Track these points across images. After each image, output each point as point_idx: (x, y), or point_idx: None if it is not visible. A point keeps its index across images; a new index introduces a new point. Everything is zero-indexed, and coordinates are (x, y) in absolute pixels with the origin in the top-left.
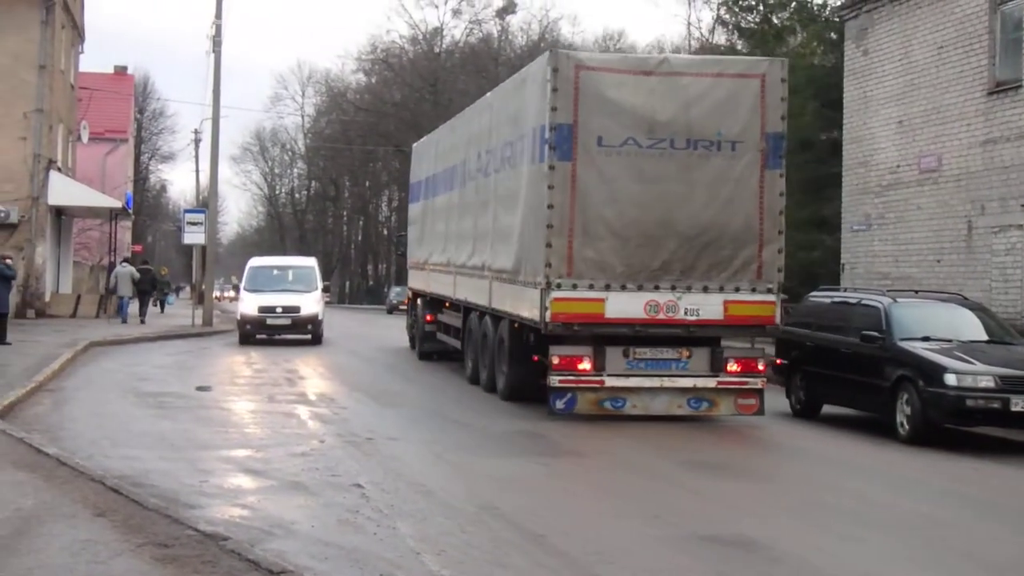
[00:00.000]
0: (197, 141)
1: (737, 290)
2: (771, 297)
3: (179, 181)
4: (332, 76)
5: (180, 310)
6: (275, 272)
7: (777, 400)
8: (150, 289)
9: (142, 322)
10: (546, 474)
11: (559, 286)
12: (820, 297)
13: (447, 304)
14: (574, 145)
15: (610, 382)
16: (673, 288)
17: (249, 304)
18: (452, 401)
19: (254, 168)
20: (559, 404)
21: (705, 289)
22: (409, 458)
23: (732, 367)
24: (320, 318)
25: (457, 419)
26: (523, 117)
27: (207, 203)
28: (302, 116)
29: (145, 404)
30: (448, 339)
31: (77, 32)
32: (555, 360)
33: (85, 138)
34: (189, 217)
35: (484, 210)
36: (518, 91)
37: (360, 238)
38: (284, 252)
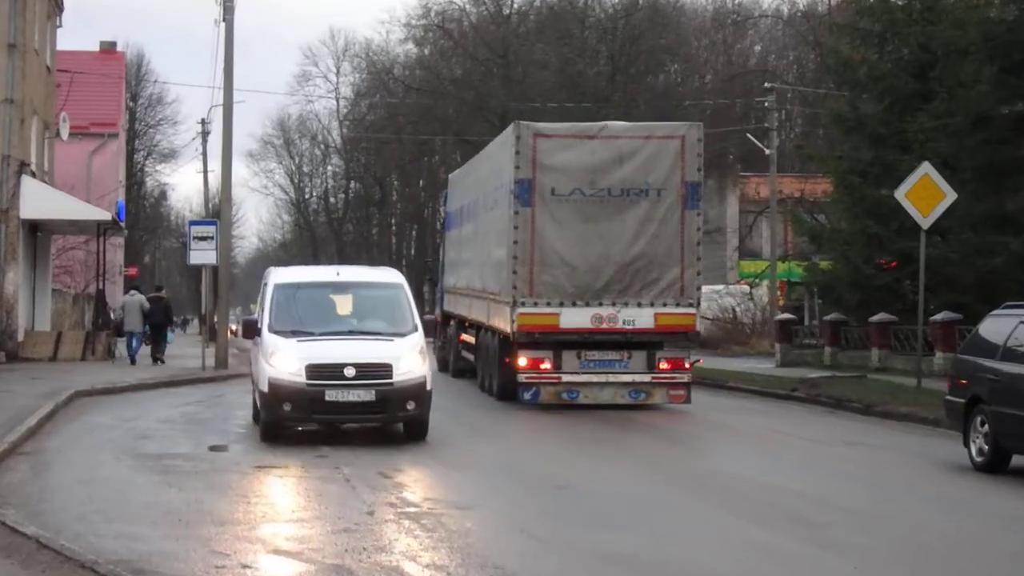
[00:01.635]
0: (205, 134)
1: (664, 304)
2: (692, 310)
3: (183, 185)
4: (374, 48)
5: (187, 348)
6: (329, 296)
7: (952, 448)
8: (165, 321)
9: (159, 361)
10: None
11: (523, 304)
12: (1006, 316)
13: (467, 323)
14: (532, 195)
15: (566, 378)
16: (613, 304)
17: (286, 360)
18: (470, 407)
19: (277, 167)
20: (526, 396)
21: (639, 304)
22: (482, 531)
23: (663, 365)
24: (429, 387)
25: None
26: (502, 171)
27: (219, 212)
28: (337, 99)
29: (146, 468)
30: (467, 355)
31: (54, 2)
32: (522, 362)
33: (65, 133)
34: (197, 230)
35: (485, 243)
36: (501, 149)
37: (413, 252)
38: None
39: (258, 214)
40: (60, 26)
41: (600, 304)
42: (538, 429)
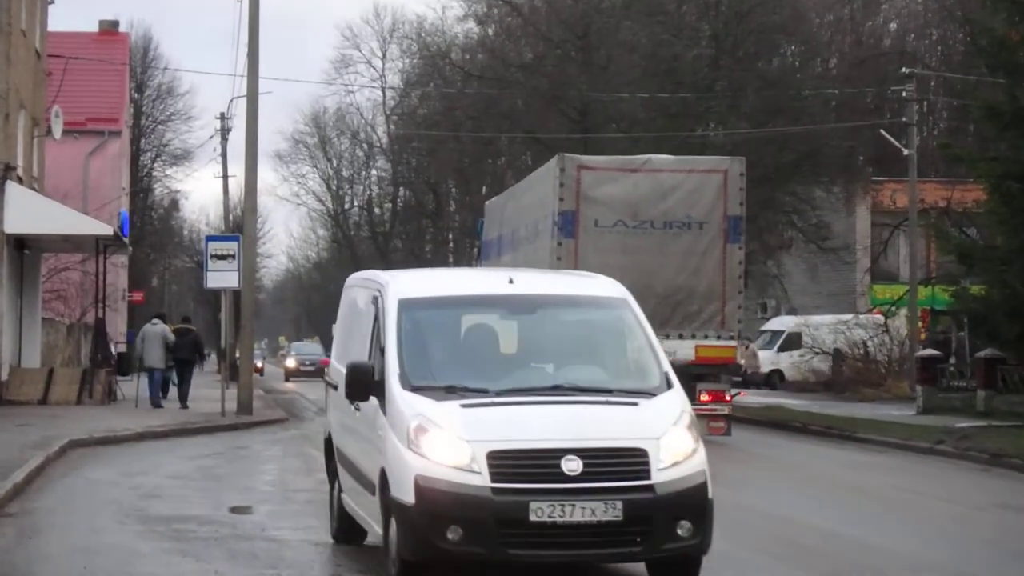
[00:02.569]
0: (225, 131)
1: (705, 337)
2: (732, 342)
3: (199, 193)
4: (427, 27)
5: (203, 389)
6: (502, 322)
7: None
8: (193, 357)
9: (183, 406)
10: None
11: None
12: None
13: None
14: (576, 227)
15: None
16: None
17: (446, 445)
18: None
19: (311, 171)
20: None
21: (680, 336)
22: None
23: (704, 397)
24: (711, 492)
25: None
26: (545, 201)
27: (242, 225)
28: (383, 89)
29: (154, 535)
30: None
31: None
32: None
33: (58, 131)
34: (215, 247)
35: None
36: (543, 180)
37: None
38: None
39: (288, 228)
40: (52, 2)
41: None
42: None
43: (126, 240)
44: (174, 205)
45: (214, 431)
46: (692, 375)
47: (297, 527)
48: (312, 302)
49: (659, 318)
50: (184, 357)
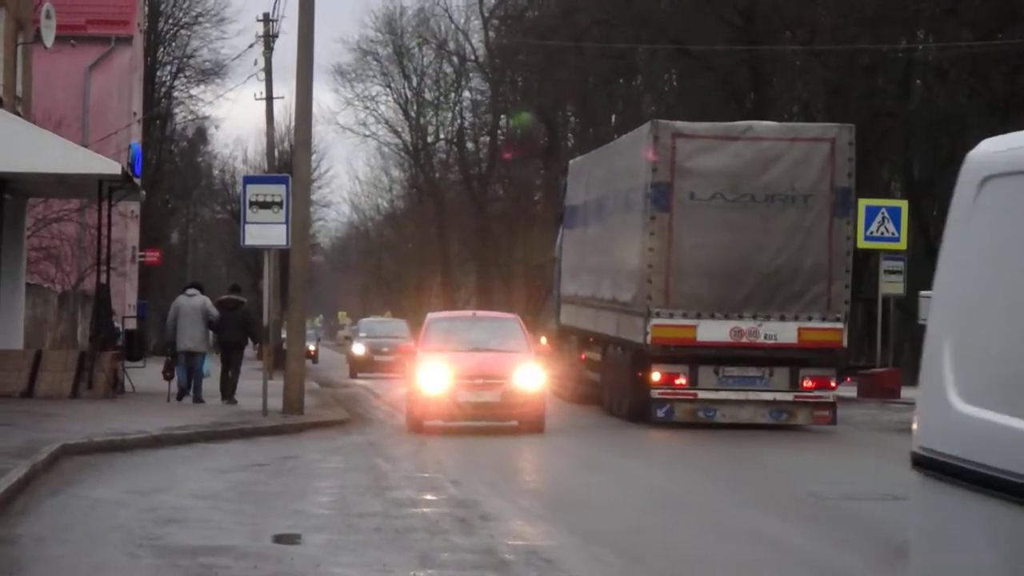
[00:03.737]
0: (270, 39)
1: (809, 319)
2: (839, 324)
3: (235, 120)
4: None
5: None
6: None
7: None
8: (242, 339)
9: (230, 400)
10: None
11: (658, 314)
12: None
13: (591, 339)
14: (670, 199)
15: (703, 395)
16: (755, 317)
17: None
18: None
19: (383, 92)
20: (660, 413)
21: (782, 318)
22: None
23: (807, 383)
24: None
25: None
26: (636, 171)
27: (291, 164)
28: None
29: (176, 572)
30: (592, 375)
31: None
32: (656, 377)
33: (49, 38)
34: (256, 192)
35: (614, 248)
36: (633, 148)
37: None
38: (447, 259)
39: (352, 168)
40: None
41: (740, 317)
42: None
43: (138, 182)
44: (201, 136)
45: (253, 436)
46: (795, 360)
47: (363, 563)
48: (384, 266)
49: (759, 299)
50: (231, 338)
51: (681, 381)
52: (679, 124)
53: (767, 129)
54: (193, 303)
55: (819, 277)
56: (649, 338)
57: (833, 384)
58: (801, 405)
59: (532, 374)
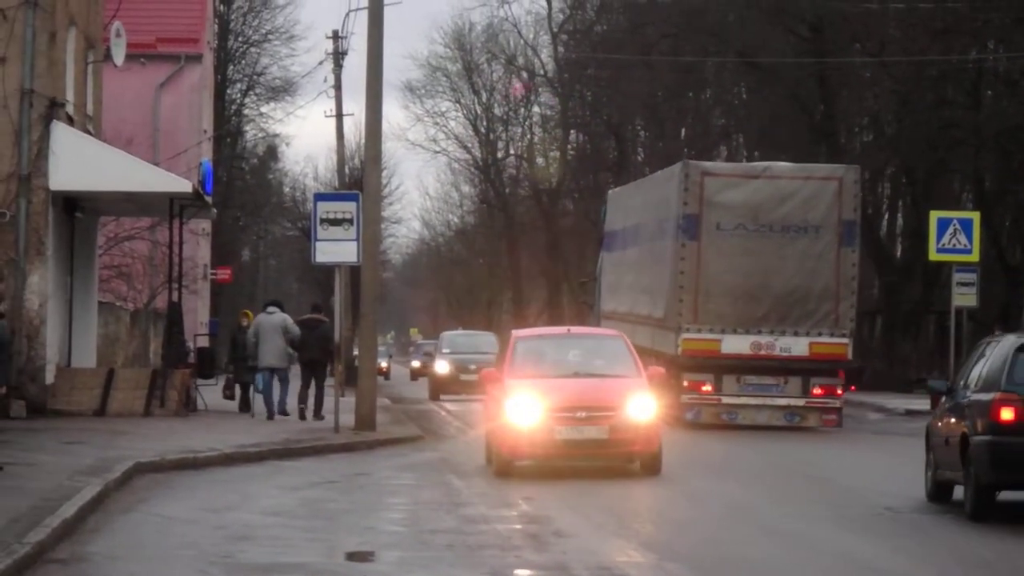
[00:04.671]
0: (339, 56)
1: (819, 334)
2: (845, 340)
3: (305, 138)
4: None
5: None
6: None
7: None
8: (323, 357)
9: (316, 416)
10: None
11: (688, 329)
12: None
13: None
14: (699, 229)
15: (726, 400)
16: (771, 332)
17: None
18: None
19: (453, 108)
20: (689, 416)
21: (795, 333)
22: None
23: (817, 391)
24: None
25: None
26: (668, 204)
27: (362, 181)
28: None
29: None
30: None
31: None
32: (685, 383)
33: (120, 56)
34: (327, 209)
35: (650, 270)
36: (667, 182)
37: None
38: (517, 274)
39: (422, 184)
40: None
41: (759, 332)
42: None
43: (209, 199)
44: (272, 153)
45: (325, 453)
46: (807, 370)
47: None
48: (454, 282)
49: (776, 316)
50: (313, 357)
51: (707, 388)
52: (707, 164)
53: (783, 169)
54: (273, 320)
55: (828, 298)
56: (680, 350)
57: (839, 392)
58: (811, 410)
59: (645, 404)
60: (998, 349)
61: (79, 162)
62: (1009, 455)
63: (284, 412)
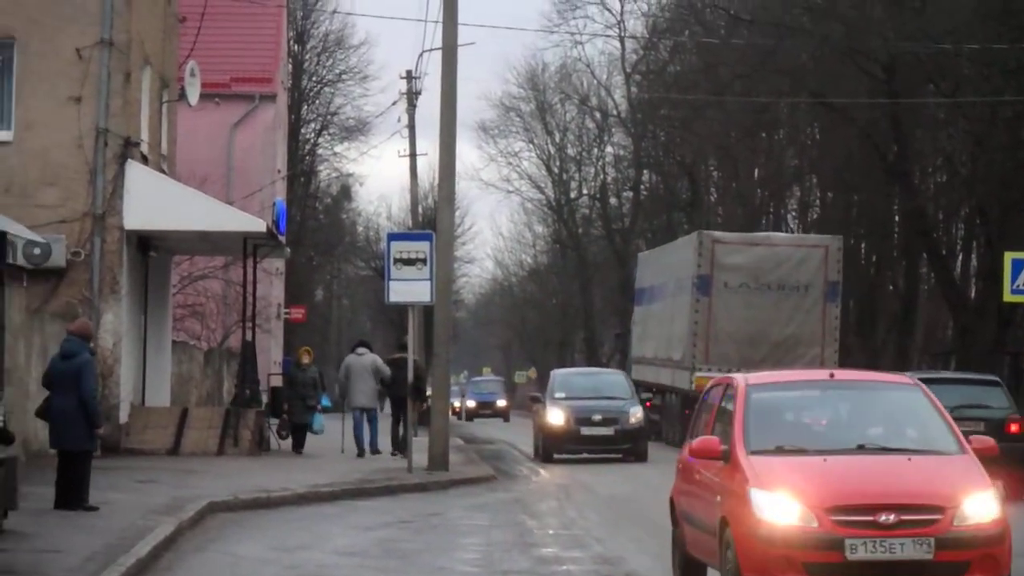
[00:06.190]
0: (413, 96)
1: None
2: None
3: (378, 177)
4: None
5: (380, 437)
6: None
7: None
8: (411, 395)
9: (398, 453)
10: None
11: (700, 368)
12: None
13: (653, 389)
14: (710, 287)
15: None
16: (769, 371)
17: None
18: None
19: (526, 147)
20: None
21: None
22: None
23: None
24: None
25: None
26: (685, 265)
27: (435, 221)
28: (621, 39)
29: None
30: (651, 415)
31: None
32: None
33: (194, 96)
34: (400, 249)
35: (670, 321)
36: (684, 247)
37: None
38: (589, 315)
39: (495, 224)
40: None
41: (759, 371)
42: None
43: (283, 239)
44: (345, 193)
45: (398, 492)
46: None
47: None
48: (527, 322)
49: (773, 358)
50: (402, 394)
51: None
52: (717, 233)
53: (780, 238)
54: (363, 361)
55: (815, 344)
56: (693, 385)
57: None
58: None
59: (987, 497)
60: None
61: (153, 201)
62: None
63: (376, 451)
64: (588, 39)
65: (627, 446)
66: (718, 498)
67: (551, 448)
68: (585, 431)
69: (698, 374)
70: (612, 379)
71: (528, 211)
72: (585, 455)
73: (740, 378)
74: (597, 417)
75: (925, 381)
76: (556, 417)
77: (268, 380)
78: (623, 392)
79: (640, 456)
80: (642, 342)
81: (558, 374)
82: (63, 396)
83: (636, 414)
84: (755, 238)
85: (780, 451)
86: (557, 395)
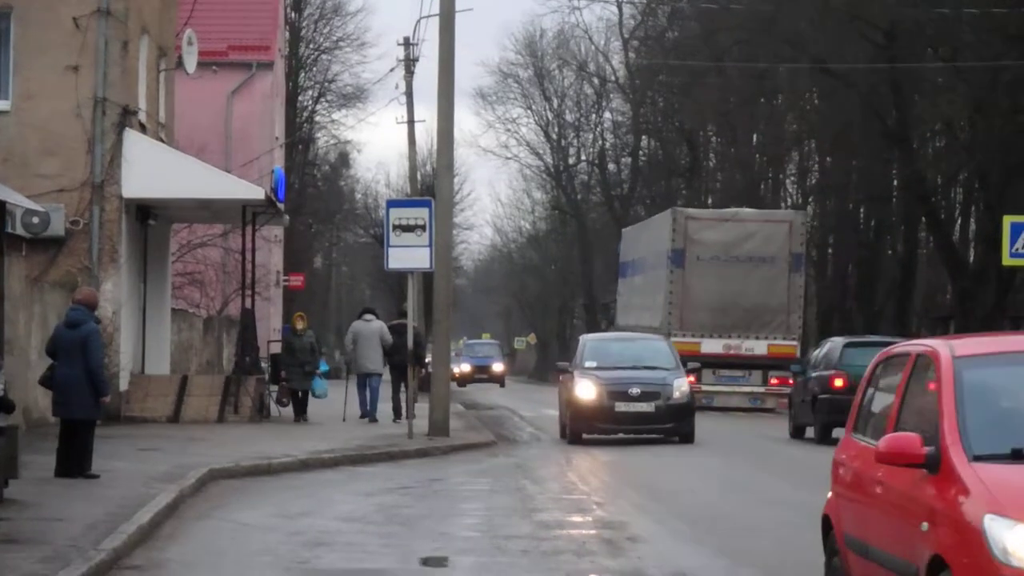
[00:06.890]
0: (411, 63)
1: (775, 338)
2: (794, 342)
3: (376, 144)
4: None
5: (380, 404)
6: None
7: None
8: (410, 361)
9: (401, 416)
10: None
11: (675, 335)
12: None
13: None
14: (684, 260)
15: (705, 388)
16: (739, 336)
17: None
18: None
19: (524, 114)
20: None
21: (756, 337)
22: None
23: (773, 381)
24: None
25: None
26: (661, 240)
27: (434, 187)
28: (619, 5)
29: None
30: None
31: None
32: None
33: (191, 64)
34: (399, 216)
35: (649, 291)
36: (661, 224)
37: None
38: (589, 281)
39: (494, 191)
40: None
41: (730, 337)
42: None
43: (281, 207)
44: (344, 160)
45: (399, 459)
46: (766, 365)
47: None
48: (527, 289)
49: (742, 325)
50: (403, 361)
51: (691, 379)
52: (690, 210)
53: (748, 214)
54: (371, 328)
55: (781, 311)
56: None
57: (791, 381)
58: (769, 395)
59: None
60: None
61: (152, 170)
62: None
63: (374, 419)
64: (586, 5)
65: (670, 425)
66: (924, 525)
67: (580, 427)
68: (620, 407)
69: (674, 339)
70: (653, 345)
71: (527, 177)
72: (620, 435)
73: (942, 347)
74: (635, 391)
75: None
76: (586, 391)
77: (268, 347)
78: (666, 361)
79: (686, 437)
80: (626, 312)
81: (588, 339)
82: (68, 365)
83: (681, 387)
84: (724, 214)
85: (1020, 457)
86: (587, 364)
